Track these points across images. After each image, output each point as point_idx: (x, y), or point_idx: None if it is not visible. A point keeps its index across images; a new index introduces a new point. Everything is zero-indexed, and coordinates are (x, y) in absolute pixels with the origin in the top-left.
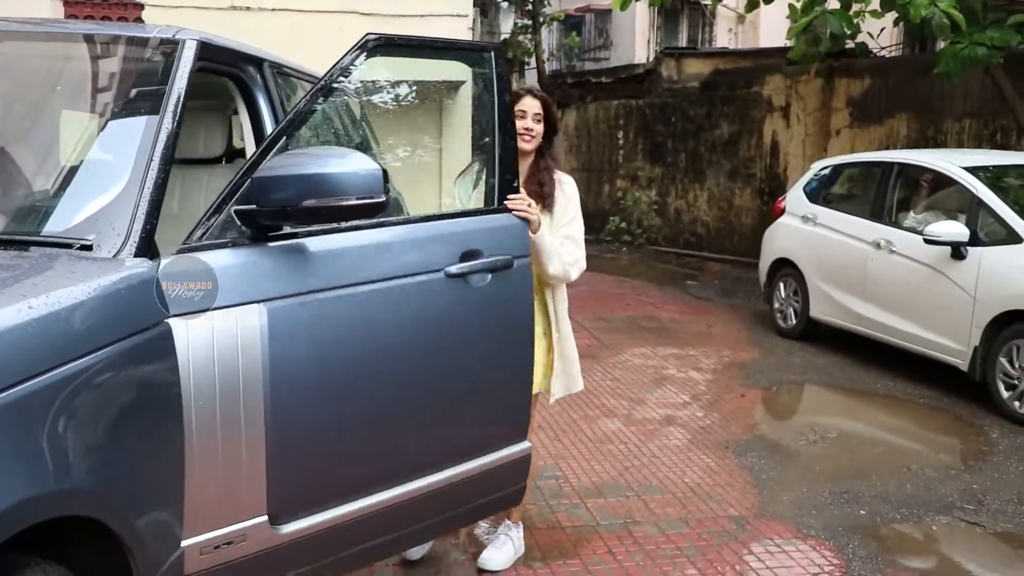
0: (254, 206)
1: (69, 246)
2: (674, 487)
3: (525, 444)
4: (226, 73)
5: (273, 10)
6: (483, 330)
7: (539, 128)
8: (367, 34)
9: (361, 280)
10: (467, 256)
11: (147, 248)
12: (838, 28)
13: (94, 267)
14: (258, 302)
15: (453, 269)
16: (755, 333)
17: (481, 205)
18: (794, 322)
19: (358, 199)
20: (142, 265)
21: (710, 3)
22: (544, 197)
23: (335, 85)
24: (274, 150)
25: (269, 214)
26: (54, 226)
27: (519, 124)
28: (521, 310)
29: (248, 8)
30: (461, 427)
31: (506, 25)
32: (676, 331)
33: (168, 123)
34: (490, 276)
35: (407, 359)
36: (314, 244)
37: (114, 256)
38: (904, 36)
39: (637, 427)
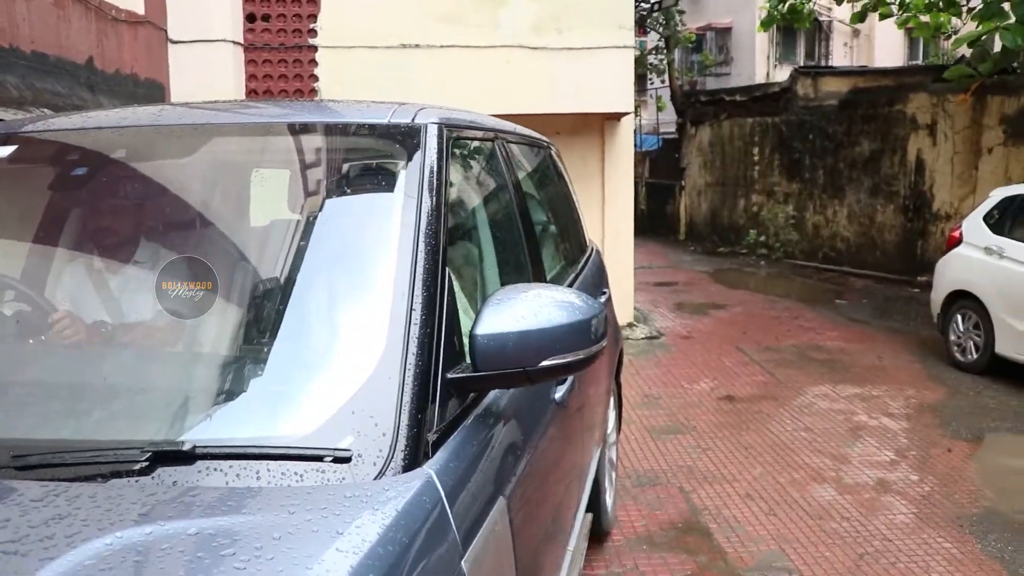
0: (474, 372)
1: (318, 459)
2: None
3: None
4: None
5: (441, 47)
6: None
7: None
8: None
9: None
10: None
11: (419, 450)
12: (1012, 43)
13: (361, 503)
14: (502, 495)
15: None
16: (929, 366)
17: None
18: (975, 356)
19: (587, 351)
20: (420, 483)
21: (849, 22)
22: None
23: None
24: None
25: (492, 379)
26: (293, 426)
27: None
28: None
29: (417, 46)
30: None
31: None
32: (848, 364)
33: (428, 245)
34: None
35: None
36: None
37: (380, 473)
38: None
39: (853, 496)
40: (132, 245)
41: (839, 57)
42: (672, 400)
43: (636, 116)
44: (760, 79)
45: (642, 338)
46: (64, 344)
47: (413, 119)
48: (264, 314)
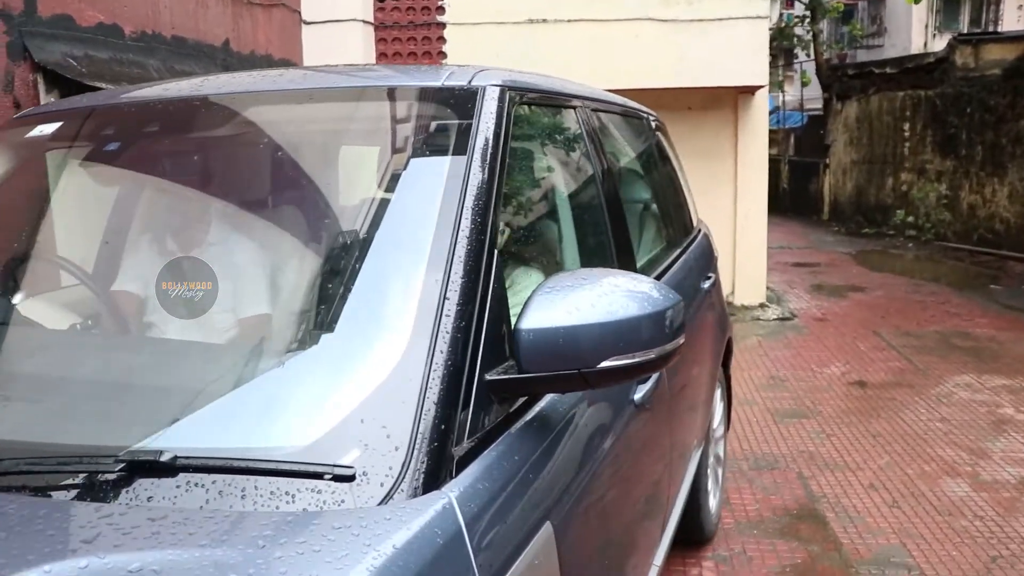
0: (519, 373)
1: (316, 476)
2: None
3: None
4: None
5: (569, 21)
6: None
7: None
8: None
9: None
10: None
11: (440, 468)
12: None
13: (351, 536)
14: (546, 519)
15: None
16: None
17: None
18: None
19: (659, 350)
20: (433, 510)
21: None
22: None
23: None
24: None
25: (539, 382)
26: (290, 435)
27: None
28: None
29: (545, 20)
30: None
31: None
32: (997, 353)
33: (473, 225)
34: None
35: None
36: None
37: (387, 496)
38: None
39: (990, 494)
40: (152, 226)
41: (1011, 22)
42: (799, 383)
43: (781, 92)
44: (916, 50)
45: (773, 319)
46: (49, 332)
47: (470, 81)
48: (268, 301)
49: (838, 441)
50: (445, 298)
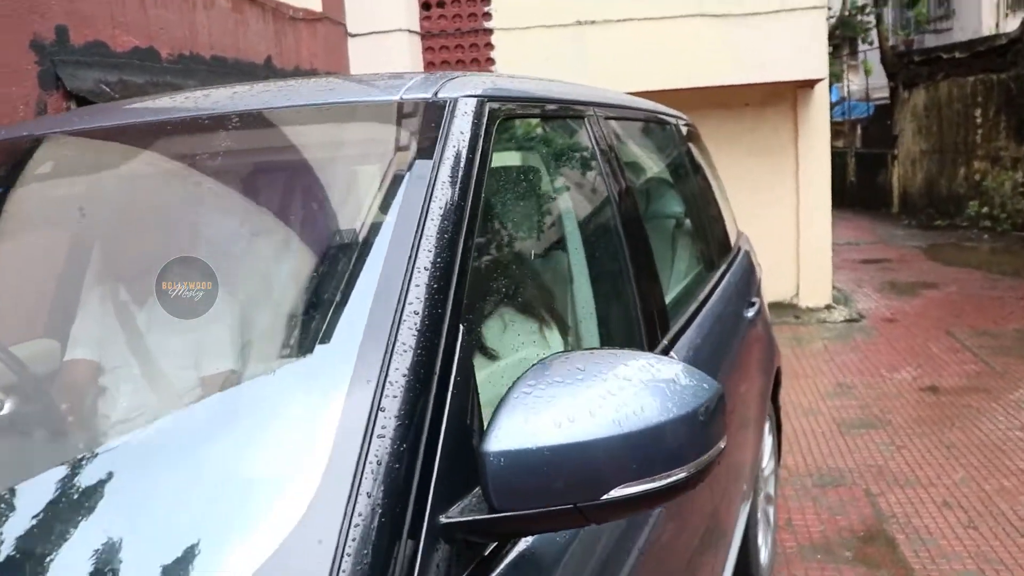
0: (494, 513)
1: None
2: None
3: None
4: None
5: (619, 20)
6: None
7: None
8: None
9: None
10: None
11: None
12: None
13: None
14: None
15: None
16: None
17: None
18: None
19: (693, 465)
20: None
21: None
22: None
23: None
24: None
25: (517, 522)
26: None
27: None
28: None
29: (594, 21)
30: None
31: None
32: None
33: (430, 292)
34: None
35: None
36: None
37: None
38: None
39: None
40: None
41: None
42: (867, 390)
43: (845, 82)
44: (988, 32)
45: (840, 321)
46: None
47: (436, 93)
48: (124, 423)
49: (909, 454)
50: (378, 409)
